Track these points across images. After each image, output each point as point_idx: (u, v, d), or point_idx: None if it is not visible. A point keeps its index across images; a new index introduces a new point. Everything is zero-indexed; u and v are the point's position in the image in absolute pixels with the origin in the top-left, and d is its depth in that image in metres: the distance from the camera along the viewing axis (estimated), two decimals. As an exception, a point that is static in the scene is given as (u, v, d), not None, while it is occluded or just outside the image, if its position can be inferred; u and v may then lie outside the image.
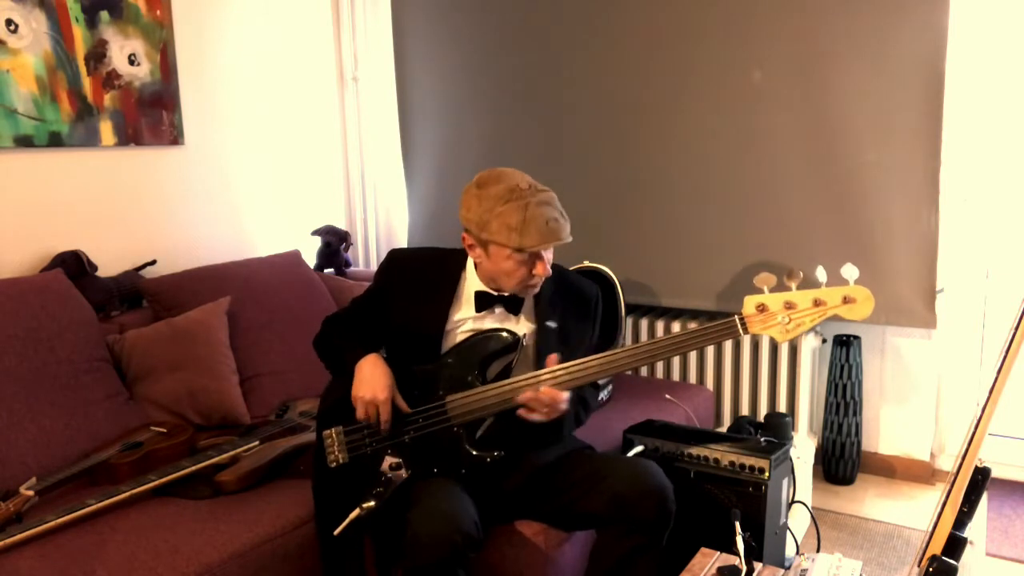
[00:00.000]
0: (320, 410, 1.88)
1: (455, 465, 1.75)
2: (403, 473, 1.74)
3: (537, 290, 1.81)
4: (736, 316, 1.64)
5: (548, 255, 1.75)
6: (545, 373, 1.71)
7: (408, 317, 1.85)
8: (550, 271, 1.76)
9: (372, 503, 1.69)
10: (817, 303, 1.59)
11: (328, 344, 1.90)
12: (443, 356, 1.82)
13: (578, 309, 1.91)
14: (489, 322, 1.84)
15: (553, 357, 1.72)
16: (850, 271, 1.57)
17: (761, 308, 1.61)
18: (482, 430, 1.81)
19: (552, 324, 1.85)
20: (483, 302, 1.82)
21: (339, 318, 1.94)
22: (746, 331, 1.63)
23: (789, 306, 1.60)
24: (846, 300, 1.58)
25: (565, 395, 1.69)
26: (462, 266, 1.87)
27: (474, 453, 1.74)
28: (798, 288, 1.61)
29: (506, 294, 1.81)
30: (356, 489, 1.74)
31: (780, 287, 1.61)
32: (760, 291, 1.62)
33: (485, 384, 1.76)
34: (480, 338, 1.80)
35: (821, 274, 1.60)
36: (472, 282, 1.84)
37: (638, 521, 1.68)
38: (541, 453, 1.84)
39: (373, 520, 1.71)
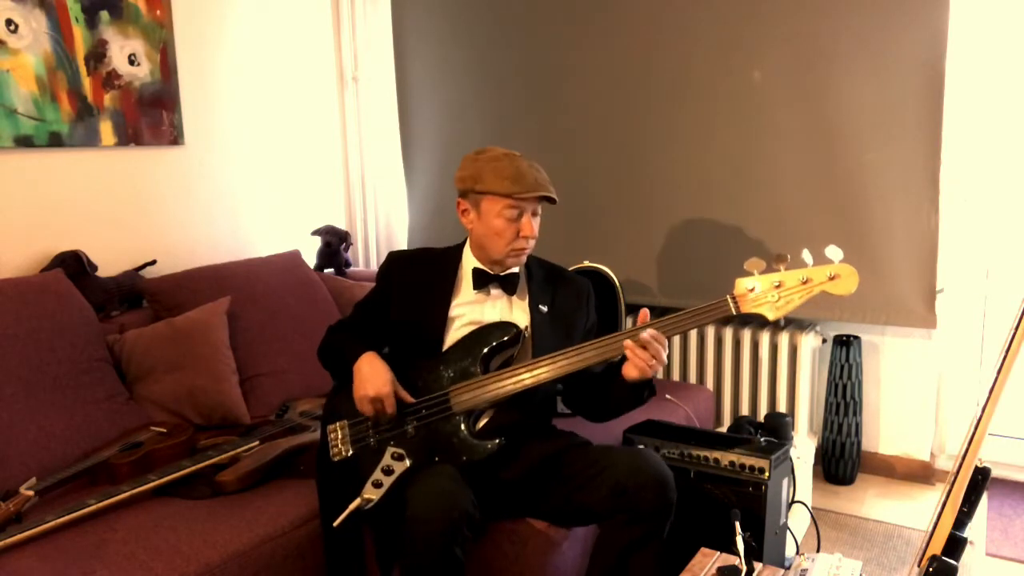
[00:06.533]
0: (326, 407, 1.92)
1: (456, 455, 1.76)
2: (405, 464, 1.76)
3: (524, 258, 1.88)
4: (728, 296, 1.72)
5: (534, 221, 1.83)
6: (546, 358, 1.76)
7: (410, 311, 1.90)
8: (535, 233, 1.83)
9: (372, 495, 1.70)
10: (805, 281, 1.69)
11: (329, 351, 1.93)
12: (446, 351, 1.86)
13: (569, 295, 1.97)
14: (489, 314, 1.89)
15: (645, 312, 1.76)
16: (834, 252, 1.66)
17: (751, 288, 1.71)
18: (483, 421, 1.84)
19: (544, 308, 1.92)
20: (480, 280, 1.88)
21: (342, 324, 1.99)
22: (738, 310, 1.71)
23: (778, 285, 1.70)
24: (832, 277, 1.68)
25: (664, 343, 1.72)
26: (460, 252, 1.94)
27: (475, 442, 1.76)
28: (786, 270, 1.72)
29: (501, 274, 1.88)
30: (359, 481, 1.75)
31: (769, 271, 1.72)
32: (750, 274, 1.72)
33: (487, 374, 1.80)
34: (482, 330, 1.84)
35: (807, 256, 1.71)
36: (469, 262, 1.91)
37: (639, 510, 1.69)
38: (540, 445, 1.87)
39: (374, 512, 1.72)
